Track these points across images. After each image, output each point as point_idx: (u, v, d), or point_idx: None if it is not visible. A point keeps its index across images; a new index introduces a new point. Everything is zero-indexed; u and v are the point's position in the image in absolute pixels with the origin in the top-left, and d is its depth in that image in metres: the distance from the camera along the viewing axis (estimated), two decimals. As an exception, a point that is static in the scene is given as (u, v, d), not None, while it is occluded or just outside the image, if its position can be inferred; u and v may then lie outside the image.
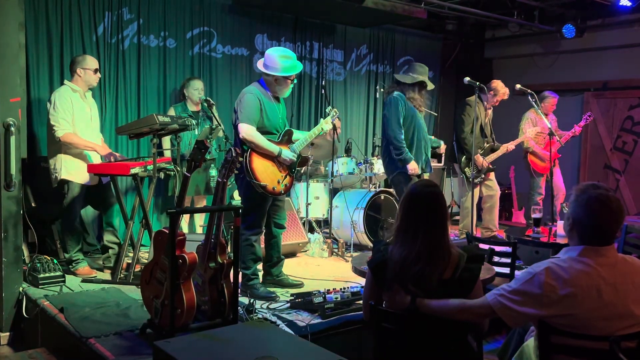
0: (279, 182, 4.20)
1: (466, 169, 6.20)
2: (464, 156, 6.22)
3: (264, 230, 4.42)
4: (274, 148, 4.15)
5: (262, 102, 4.13)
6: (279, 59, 4.13)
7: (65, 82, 4.72)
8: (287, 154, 4.21)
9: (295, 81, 4.27)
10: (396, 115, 5.09)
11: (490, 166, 6.30)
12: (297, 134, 4.41)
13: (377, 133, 7.77)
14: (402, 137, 5.11)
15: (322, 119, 4.60)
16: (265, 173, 4.12)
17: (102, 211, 4.94)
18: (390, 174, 5.31)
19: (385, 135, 5.20)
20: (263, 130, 4.15)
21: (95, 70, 4.70)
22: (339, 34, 7.45)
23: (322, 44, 7.27)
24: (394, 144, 5.11)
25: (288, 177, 4.28)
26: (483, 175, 6.27)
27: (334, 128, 4.91)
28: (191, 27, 6.18)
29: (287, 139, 4.30)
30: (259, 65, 4.23)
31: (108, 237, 4.86)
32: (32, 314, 4.06)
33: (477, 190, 6.30)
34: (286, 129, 4.33)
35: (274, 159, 4.19)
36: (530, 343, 2.46)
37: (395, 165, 5.19)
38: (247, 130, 4.05)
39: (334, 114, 4.63)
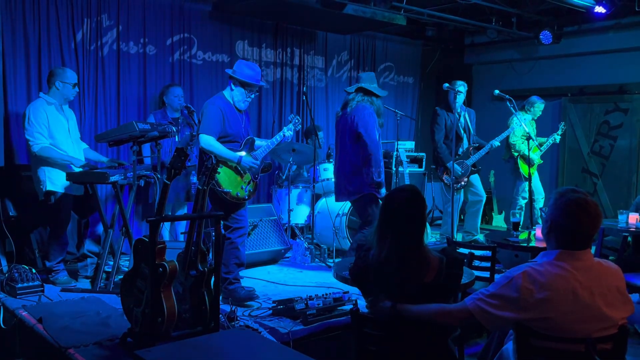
0: (242, 188, 4.27)
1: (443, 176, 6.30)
2: (439, 165, 6.30)
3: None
4: (233, 156, 4.20)
5: (224, 112, 4.22)
6: (245, 68, 4.28)
7: (41, 94, 4.61)
8: (248, 160, 4.25)
9: (252, 96, 4.33)
10: (375, 127, 4.57)
11: (474, 167, 6.35)
12: (259, 142, 4.50)
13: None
14: None
15: (284, 127, 4.66)
16: (228, 180, 4.19)
17: (88, 220, 4.89)
18: (358, 192, 4.64)
19: (363, 147, 4.54)
20: (227, 139, 4.23)
21: (74, 85, 4.62)
22: (320, 41, 7.47)
23: (303, 51, 7.29)
24: (377, 161, 4.54)
25: (252, 183, 4.34)
26: (465, 179, 6.31)
27: (315, 133, 4.87)
28: (171, 34, 6.16)
29: (249, 147, 4.38)
30: (230, 71, 4.32)
31: (90, 247, 4.80)
32: (9, 325, 3.99)
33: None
34: (248, 137, 4.39)
35: (236, 166, 4.24)
36: (509, 346, 2.48)
37: (367, 185, 4.59)
38: (207, 141, 4.12)
39: (297, 121, 4.69)
